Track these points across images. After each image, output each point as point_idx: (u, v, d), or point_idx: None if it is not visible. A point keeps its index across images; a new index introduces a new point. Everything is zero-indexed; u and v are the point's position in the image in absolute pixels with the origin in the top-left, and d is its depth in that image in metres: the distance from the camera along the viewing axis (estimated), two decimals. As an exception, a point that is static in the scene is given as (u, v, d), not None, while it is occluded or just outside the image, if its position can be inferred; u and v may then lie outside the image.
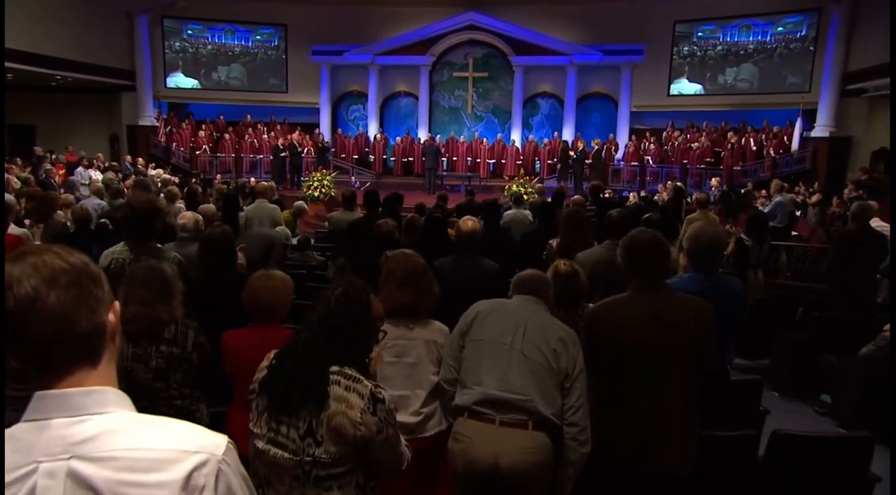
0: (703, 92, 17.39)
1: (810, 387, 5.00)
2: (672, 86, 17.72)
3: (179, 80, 18.96)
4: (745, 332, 4.94)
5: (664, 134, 17.27)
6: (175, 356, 2.29)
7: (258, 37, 19.07)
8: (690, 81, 17.57)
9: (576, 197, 7.83)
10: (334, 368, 1.64)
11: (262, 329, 2.51)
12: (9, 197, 4.19)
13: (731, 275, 4.05)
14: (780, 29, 16.38)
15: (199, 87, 19.06)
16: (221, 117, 18.72)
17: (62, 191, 9.48)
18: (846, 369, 4.63)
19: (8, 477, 0.88)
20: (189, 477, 0.91)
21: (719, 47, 17.19)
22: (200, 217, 3.91)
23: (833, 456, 2.76)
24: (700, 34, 17.36)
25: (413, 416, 2.33)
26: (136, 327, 2.22)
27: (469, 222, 3.61)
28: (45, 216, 4.61)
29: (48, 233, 4.44)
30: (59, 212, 4.93)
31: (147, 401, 2.20)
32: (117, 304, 1.02)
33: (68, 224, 5.01)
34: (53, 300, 0.91)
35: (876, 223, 6.09)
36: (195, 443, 0.95)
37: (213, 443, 0.96)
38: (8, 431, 0.92)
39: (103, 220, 4.64)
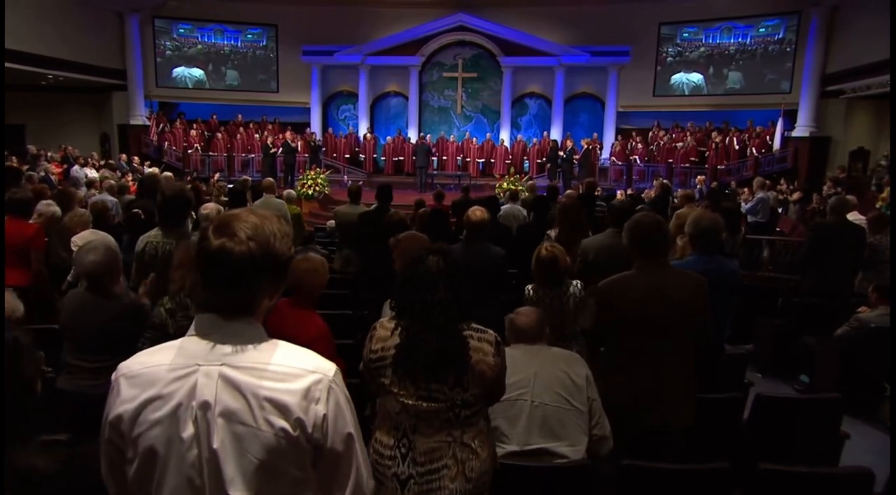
0: (704, 82, 17.67)
1: (790, 369, 5.33)
2: (674, 77, 17.99)
3: (193, 71, 19.03)
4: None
5: (650, 134, 17.64)
6: None
7: (248, 36, 19.18)
8: (694, 72, 17.86)
9: (569, 191, 8.15)
10: (463, 326, 1.88)
11: (297, 305, 2.75)
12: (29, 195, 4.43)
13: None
14: (761, 30, 16.82)
15: (204, 76, 19.11)
16: (214, 116, 18.81)
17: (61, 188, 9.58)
18: (823, 350, 4.96)
19: (177, 373, 1.18)
20: (308, 389, 1.21)
21: (702, 49, 17.63)
22: (222, 207, 4.14)
23: (807, 415, 3.08)
24: (685, 35, 17.78)
25: None
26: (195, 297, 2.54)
27: (478, 212, 3.87)
28: (64, 211, 4.82)
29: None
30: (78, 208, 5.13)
31: None
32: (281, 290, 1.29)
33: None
34: (243, 250, 1.17)
35: (854, 216, 6.43)
36: (314, 365, 1.25)
37: (327, 367, 1.26)
38: (178, 341, 1.23)
39: (136, 210, 4.89)
